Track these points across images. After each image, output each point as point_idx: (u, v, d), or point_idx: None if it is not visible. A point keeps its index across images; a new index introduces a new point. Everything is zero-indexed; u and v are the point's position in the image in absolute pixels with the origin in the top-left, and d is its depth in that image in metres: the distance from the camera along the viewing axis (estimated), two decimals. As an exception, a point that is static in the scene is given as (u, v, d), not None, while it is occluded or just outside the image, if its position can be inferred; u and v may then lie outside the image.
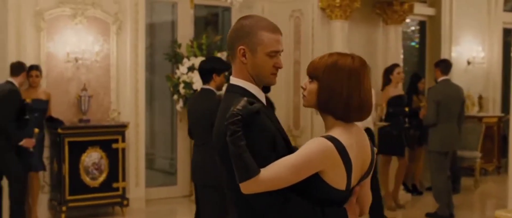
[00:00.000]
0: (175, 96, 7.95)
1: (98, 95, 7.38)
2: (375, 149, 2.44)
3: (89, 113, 7.24)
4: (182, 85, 7.72)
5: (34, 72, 6.82)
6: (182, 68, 7.76)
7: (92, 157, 7.05)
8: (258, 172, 2.15)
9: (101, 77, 7.43)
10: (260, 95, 2.40)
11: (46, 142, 7.11)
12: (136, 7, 7.64)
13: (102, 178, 7.10)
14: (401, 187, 8.36)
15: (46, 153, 7.12)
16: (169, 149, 9.03)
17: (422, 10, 10.16)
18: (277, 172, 2.16)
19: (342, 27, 8.00)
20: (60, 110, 7.14)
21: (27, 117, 6.60)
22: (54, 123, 7.00)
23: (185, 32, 8.34)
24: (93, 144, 7.07)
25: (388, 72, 7.83)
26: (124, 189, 7.25)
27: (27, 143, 6.48)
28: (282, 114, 8.61)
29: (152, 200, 8.02)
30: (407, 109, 7.86)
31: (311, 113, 8.37)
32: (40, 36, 7.07)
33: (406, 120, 7.86)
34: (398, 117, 7.74)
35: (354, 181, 2.29)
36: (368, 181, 2.39)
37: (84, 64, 7.26)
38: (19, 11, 6.96)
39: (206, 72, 5.02)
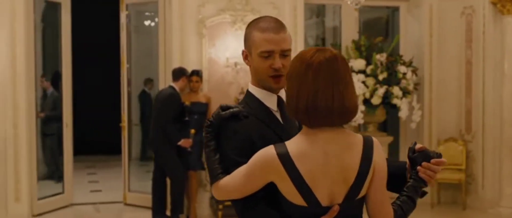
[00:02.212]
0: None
1: (256, 98, 7.59)
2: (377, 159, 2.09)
3: (248, 116, 7.48)
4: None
5: (194, 78, 7.24)
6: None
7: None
8: (219, 178, 2.12)
9: (260, 81, 7.62)
10: (269, 99, 2.29)
11: (208, 142, 7.48)
12: (295, 12, 7.74)
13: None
14: None
15: (208, 153, 7.49)
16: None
17: None
18: (231, 180, 2.10)
19: (515, 23, 7.35)
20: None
21: (186, 118, 7.06)
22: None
23: (349, 34, 8.24)
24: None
25: None
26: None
27: (185, 143, 6.91)
28: (453, 118, 8.13)
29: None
30: None
31: (482, 116, 7.79)
32: (202, 42, 7.49)
33: None
34: None
35: (328, 196, 2.03)
36: (381, 197, 2.08)
37: (243, 69, 7.53)
38: (183, 20, 7.44)
39: None
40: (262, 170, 2.02)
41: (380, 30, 9.34)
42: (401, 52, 8.17)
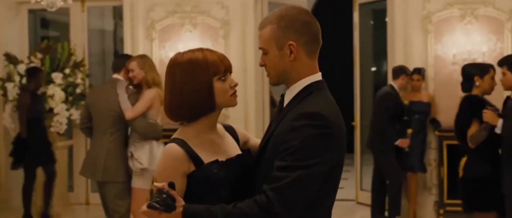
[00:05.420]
0: None
1: None
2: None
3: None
4: None
5: (415, 76, 6.98)
6: None
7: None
8: None
9: (493, 78, 7.02)
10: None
11: (433, 144, 7.15)
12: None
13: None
14: None
15: (433, 155, 7.16)
16: None
17: None
18: None
19: None
20: (445, 112, 7.01)
21: (405, 118, 6.83)
22: (435, 124, 7.01)
23: None
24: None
25: None
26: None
27: (402, 142, 6.68)
28: None
29: None
30: None
31: None
32: (427, 39, 7.17)
33: None
34: None
35: None
36: None
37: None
38: (406, 16, 7.22)
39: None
40: None
41: None
42: None
